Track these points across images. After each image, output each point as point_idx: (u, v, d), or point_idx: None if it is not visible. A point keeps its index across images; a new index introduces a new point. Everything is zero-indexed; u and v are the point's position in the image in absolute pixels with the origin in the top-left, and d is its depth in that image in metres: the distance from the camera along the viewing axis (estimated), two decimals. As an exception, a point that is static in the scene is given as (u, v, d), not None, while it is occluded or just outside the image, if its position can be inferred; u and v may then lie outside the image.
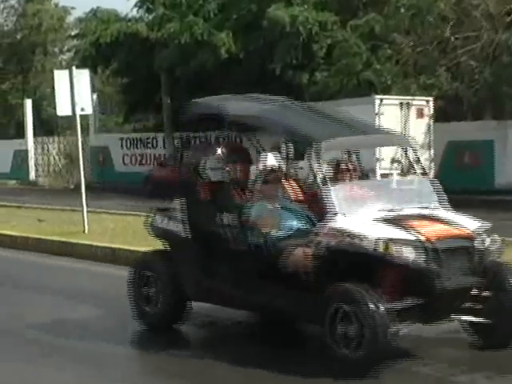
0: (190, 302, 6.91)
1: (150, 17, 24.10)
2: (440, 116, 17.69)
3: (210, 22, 21.96)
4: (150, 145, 24.24)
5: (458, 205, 6.78)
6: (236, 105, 7.14)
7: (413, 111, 16.76)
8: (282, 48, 20.06)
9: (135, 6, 24.28)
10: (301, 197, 7.06)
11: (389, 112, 16.24)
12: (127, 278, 7.09)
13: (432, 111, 17.02)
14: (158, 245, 7.28)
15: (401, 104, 16.66)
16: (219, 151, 7.06)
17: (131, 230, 11.01)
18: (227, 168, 6.99)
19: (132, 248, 9.62)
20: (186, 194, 6.89)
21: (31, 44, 33.63)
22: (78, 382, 5.68)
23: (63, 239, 11.00)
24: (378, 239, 5.76)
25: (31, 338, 6.68)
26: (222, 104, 7.18)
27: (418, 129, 16.52)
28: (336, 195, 6.07)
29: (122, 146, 24.75)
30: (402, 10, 18.27)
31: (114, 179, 23.13)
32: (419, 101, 16.92)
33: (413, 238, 5.79)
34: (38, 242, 11.57)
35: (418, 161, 6.78)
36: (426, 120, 16.89)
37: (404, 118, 16.60)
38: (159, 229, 7.18)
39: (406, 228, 5.91)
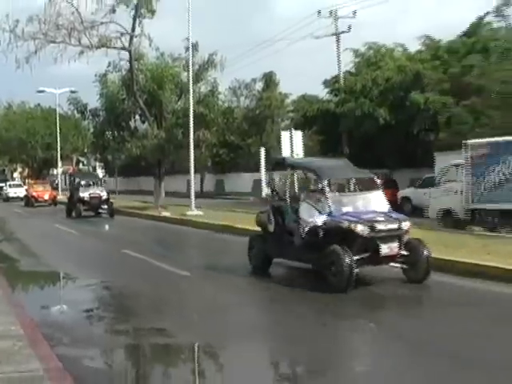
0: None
1: (336, 99, 29.71)
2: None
3: (374, 102, 27.45)
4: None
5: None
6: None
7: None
8: (419, 118, 25.57)
9: (327, 92, 30.98)
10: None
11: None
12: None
13: None
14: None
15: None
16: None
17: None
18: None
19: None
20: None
21: (264, 116, 42.62)
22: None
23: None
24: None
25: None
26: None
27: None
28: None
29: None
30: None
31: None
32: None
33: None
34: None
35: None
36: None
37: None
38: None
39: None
